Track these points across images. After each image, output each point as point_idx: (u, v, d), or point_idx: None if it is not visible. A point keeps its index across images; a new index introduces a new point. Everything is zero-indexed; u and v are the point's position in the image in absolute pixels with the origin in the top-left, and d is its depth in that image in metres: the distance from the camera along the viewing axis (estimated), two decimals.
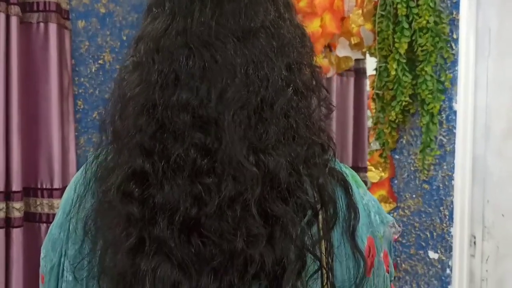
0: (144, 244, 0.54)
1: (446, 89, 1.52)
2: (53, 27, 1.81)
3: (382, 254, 0.68)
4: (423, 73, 1.47)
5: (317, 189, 0.60)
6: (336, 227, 0.62)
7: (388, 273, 0.70)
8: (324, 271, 0.60)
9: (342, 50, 1.77)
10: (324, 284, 0.60)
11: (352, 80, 3.23)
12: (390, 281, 0.71)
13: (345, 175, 0.66)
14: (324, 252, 0.60)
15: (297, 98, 0.60)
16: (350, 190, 0.64)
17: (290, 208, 0.57)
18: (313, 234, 0.59)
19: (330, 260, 0.60)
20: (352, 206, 0.63)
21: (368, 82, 2.14)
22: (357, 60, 3.19)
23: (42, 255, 0.66)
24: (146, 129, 0.56)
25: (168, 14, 0.59)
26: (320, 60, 1.81)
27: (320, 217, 0.60)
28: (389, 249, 0.72)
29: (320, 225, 0.60)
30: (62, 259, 0.61)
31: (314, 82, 0.64)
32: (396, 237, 0.74)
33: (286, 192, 0.57)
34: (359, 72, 3.23)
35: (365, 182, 1.70)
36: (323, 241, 0.60)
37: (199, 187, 0.54)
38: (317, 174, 0.60)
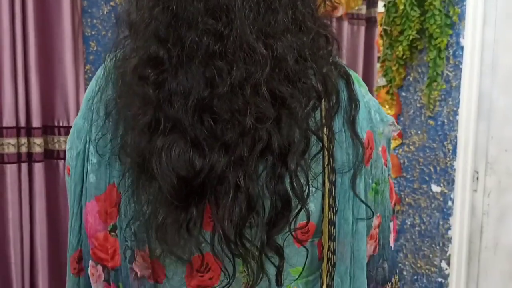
0: (160, 124, 0.58)
1: (454, 24, 1.53)
2: None
3: (380, 149, 0.73)
4: (431, 7, 1.48)
5: (321, 78, 0.64)
6: (337, 115, 0.66)
7: (386, 166, 0.75)
8: (326, 154, 0.64)
9: None
10: (325, 166, 0.65)
11: (363, 29, 3.20)
12: (388, 175, 0.76)
13: (347, 70, 0.70)
14: (326, 137, 0.64)
15: None
16: (352, 83, 0.68)
17: (296, 91, 0.60)
18: (316, 120, 0.64)
19: (331, 146, 0.65)
20: (352, 98, 0.67)
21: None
22: (368, 8, 3.16)
23: (67, 147, 0.72)
24: (161, 18, 0.59)
25: None
26: None
27: (323, 105, 0.65)
28: (388, 146, 0.76)
29: (323, 113, 0.65)
30: (87, 145, 0.67)
31: None
32: (396, 134, 0.79)
33: (293, 76, 0.60)
34: (370, 21, 3.20)
35: None
36: (325, 127, 0.64)
37: (212, 70, 0.57)
38: (322, 64, 0.64)
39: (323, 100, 0.64)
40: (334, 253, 0.68)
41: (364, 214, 0.69)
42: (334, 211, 0.66)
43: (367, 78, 3.11)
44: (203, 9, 0.58)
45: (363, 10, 3.09)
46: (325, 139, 0.64)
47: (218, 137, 0.58)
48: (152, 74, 0.59)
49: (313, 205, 0.65)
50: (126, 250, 0.64)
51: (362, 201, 0.68)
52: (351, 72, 0.72)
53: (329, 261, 0.68)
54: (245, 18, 0.58)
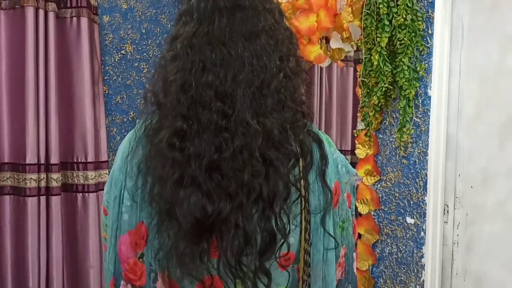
0: (183, 179, 0.77)
1: (421, 77, 1.76)
2: (84, 21, 2.07)
3: (345, 195, 0.93)
4: (401, 63, 1.71)
5: (298, 143, 0.83)
6: (311, 170, 0.85)
7: (350, 208, 0.96)
8: (302, 200, 0.83)
9: (335, 43, 2.01)
10: (302, 208, 0.83)
11: (351, 70, 3.45)
12: (352, 214, 0.97)
13: (319, 135, 0.91)
14: (302, 187, 0.84)
15: (286, 80, 0.83)
16: (323, 145, 0.88)
17: (280, 154, 0.80)
18: (295, 175, 0.83)
19: (306, 193, 0.84)
20: (323, 157, 0.87)
21: None
22: (356, 52, 3.41)
23: (105, 191, 0.92)
24: (184, 102, 0.79)
25: (196, 21, 0.82)
26: (318, 50, 2.05)
27: (300, 163, 0.84)
28: (352, 192, 0.97)
29: (301, 169, 0.84)
30: (122, 191, 0.86)
31: (298, 68, 0.89)
32: (359, 183, 0.99)
33: (278, 144, 0.79)
34: (358, 62, 3.45)
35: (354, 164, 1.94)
36: (302, 180, 0.84)
37: (220, 139, 0.76)
38: (299, 132, 0.84)
39: (300, 159, 0.86)
40: (309, 276, 0.87)
41: (333, 245, 0.90)
42: (309, 243, 0.86)
43: (357, 115, 3.32)
44: (213, 95, 0.78)
45: (351, 53, 3.35)
46: (302, 189, 0.85)
47: (224, 189, 0.77)
48: (177, 142, 0.78)
49: (293, 239, 0.85)
50: (150, 273, 0.84)
51: (330, 235, 0.89)
52: (323, 135, 0.93)
53: (305, 282, 0.87)
54: (244, 103, 0.78)
